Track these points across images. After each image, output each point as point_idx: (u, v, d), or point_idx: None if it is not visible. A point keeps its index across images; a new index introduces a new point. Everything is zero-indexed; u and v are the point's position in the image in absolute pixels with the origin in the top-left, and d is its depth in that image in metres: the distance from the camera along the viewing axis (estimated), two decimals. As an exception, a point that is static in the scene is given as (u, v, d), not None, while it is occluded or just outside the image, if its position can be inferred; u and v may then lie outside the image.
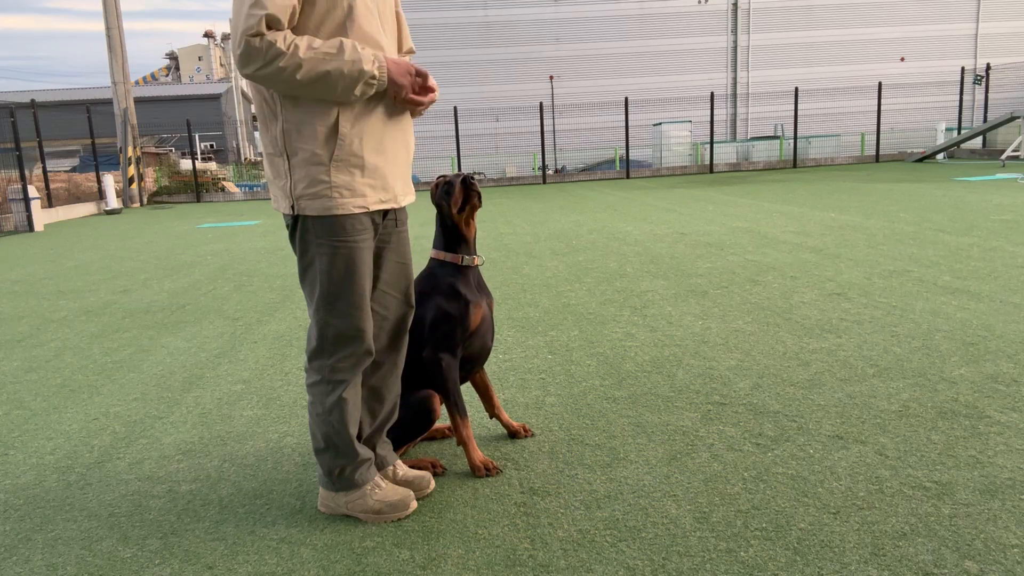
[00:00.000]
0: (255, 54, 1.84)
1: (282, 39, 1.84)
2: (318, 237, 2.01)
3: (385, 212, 2.12)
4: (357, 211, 2.00)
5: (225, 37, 66.81)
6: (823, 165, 21.33)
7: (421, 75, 2.03)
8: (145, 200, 20.26)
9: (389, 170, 2.07)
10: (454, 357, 2.37)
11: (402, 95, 2.01)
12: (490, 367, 3.52)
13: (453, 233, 2.42)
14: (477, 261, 2.45)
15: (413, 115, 2.16)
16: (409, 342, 2.37)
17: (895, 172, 16.25)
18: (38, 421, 3.15)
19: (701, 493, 2.19)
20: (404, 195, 2.15)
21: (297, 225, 2.04)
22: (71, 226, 14.06)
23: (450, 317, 2.35)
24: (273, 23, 1.84)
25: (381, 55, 1.96)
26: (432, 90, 2.07)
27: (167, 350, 4.22)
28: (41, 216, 13.86)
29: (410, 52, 2.30)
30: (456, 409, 2.38)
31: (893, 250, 6.10)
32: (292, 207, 2.01)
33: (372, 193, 2.03)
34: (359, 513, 2.14)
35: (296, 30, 1.93)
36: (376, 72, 1.93)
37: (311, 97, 1.94)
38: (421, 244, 8.24)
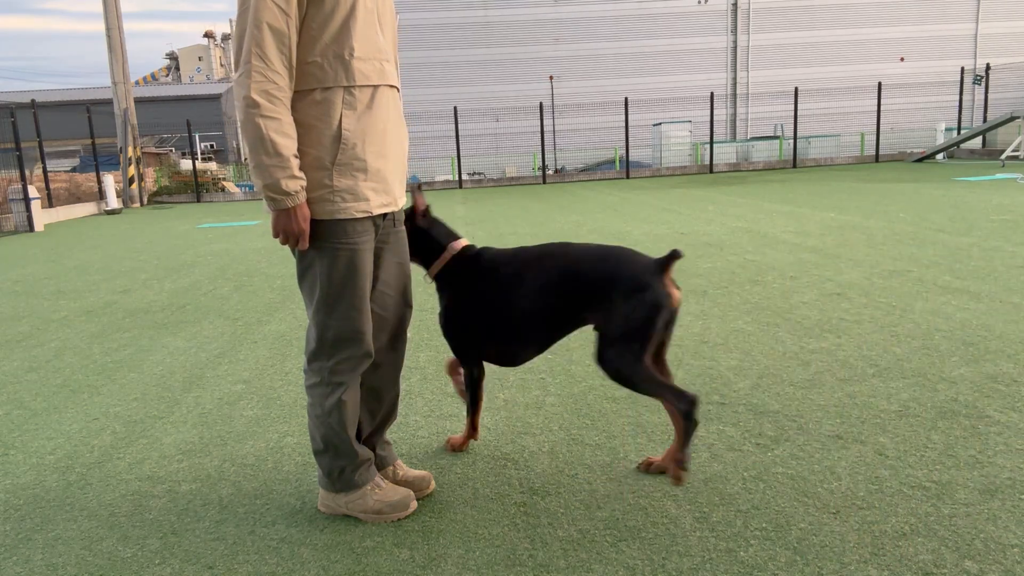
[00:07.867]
0: (244, 102, 1.87)
1: (275, 92, 1.86)
2: (319, 240, 2.01)
3: (385, 213, 2.13)
4: (360, 215, 2.01)
5: (225, 37, 66.78)
6: (823, 165, 21.32)
7: (295, 243, 1.98)
8: (145, 200, 20.26)
9: (390, 173, 2.08)
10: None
11: (274, 233, 1.98)
12: (489, 366, 3.51)
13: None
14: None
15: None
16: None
17: (895, 172, 16.25)
18: (38, 421, 3.15)
19: (701, 493, 2.19)
20: (402, 197, 2.18)
21: None
22: (71, 226, 14.06)
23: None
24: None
25: (303, 193, 1.92)
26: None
27: (167, 350, 4.22)
28: (41, 216, 13.86)
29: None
30: None
31: (893, 250, 6.10)
32: None
33: (375, 196, 2.04)
34: (359, 513, 2.14)
35: (302, 30, 1.93)
36: (279, 196, 1.89)
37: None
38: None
